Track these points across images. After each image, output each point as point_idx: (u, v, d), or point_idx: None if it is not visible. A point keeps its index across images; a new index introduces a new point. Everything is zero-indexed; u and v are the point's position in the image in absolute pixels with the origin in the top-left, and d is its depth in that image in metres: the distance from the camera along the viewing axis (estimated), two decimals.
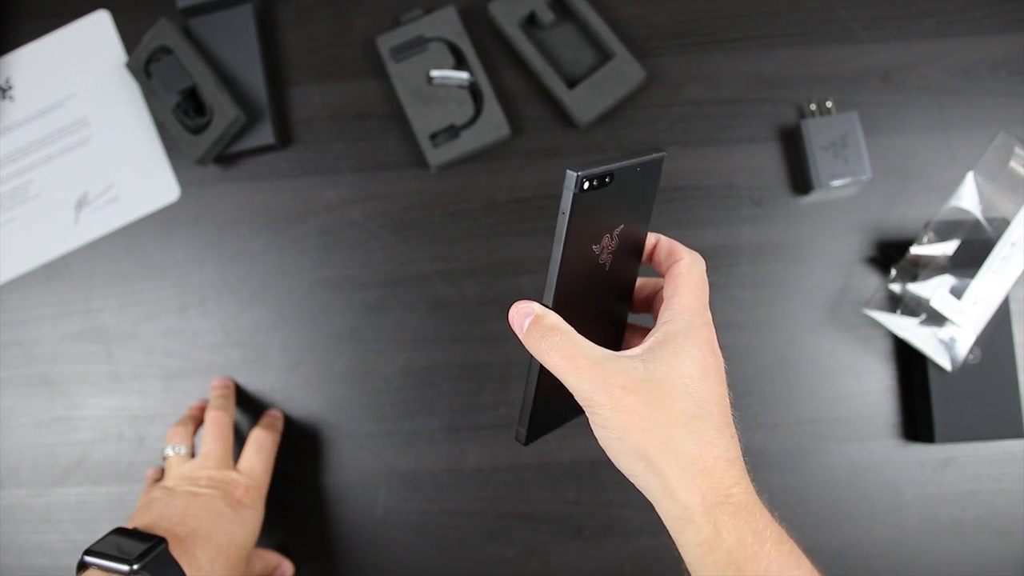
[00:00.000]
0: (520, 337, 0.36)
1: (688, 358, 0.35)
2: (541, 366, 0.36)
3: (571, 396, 0.35)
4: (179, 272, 0.64)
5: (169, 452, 0.56)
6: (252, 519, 0.53)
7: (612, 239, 0.37)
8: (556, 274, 0.35)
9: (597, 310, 0.39)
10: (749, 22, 0.64)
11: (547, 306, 0.36)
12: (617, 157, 0.36)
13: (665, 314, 0.37)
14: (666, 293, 0.38)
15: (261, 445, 0.57)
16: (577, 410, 0.37)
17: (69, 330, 0.63)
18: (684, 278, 0.37)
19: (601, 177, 0.34)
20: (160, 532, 0.46)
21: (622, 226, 0.37)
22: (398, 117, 0.64)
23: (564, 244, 0.35)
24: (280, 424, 0.60)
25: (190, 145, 0.61)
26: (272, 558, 0.58)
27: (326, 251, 0.63)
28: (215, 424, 0.57)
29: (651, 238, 0.40)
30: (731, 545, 0.33)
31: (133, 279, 0.64)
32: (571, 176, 0.33)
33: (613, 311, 0.41)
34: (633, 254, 0.39)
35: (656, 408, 0.34)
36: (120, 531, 0.46)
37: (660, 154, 0.37)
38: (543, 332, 0.35)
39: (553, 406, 0.39)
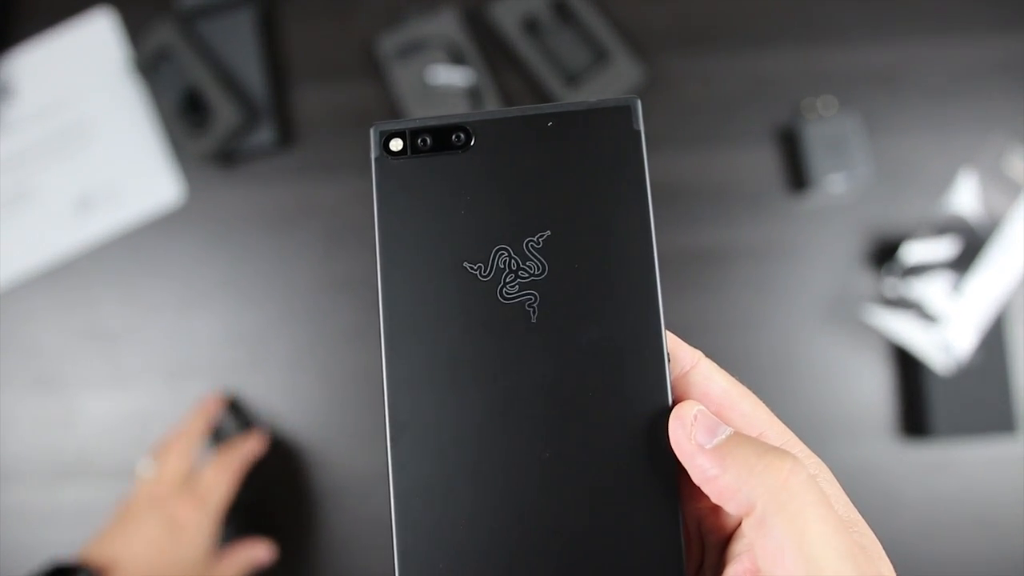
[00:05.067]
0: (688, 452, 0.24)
1: None
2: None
3: None
4: (179, 272, 0.64)
5: (139, 467, 0.56)
6: (194, 542, 0.53)
7: (525, 256, 0.23)
8: (379, 287, 0.23)
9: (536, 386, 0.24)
10: (749, 22, 0.64)
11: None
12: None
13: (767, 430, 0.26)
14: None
15: (225, 464, 0.56)
16: None
17: (69, 330, 0.63)
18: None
19: (432, 133, 0.22)
20: (93, 564, 0.49)
21: (548, 233, 0.23)
22: (398, 117, 0.64)
23: (377, 240, 0.22)
24: (254, 447, 0.58)
25: (190, 145, 0.61)
26: (240, 554, 0.56)
27: (327, 251, 0.63)
28: (180, 441, 0.56)
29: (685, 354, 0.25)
30: None
31: (133, 279, 0.64)
32: (372, 132, 0.22)
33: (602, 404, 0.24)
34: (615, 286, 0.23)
35: None
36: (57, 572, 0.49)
37: (614, 100, 0.23)
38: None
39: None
